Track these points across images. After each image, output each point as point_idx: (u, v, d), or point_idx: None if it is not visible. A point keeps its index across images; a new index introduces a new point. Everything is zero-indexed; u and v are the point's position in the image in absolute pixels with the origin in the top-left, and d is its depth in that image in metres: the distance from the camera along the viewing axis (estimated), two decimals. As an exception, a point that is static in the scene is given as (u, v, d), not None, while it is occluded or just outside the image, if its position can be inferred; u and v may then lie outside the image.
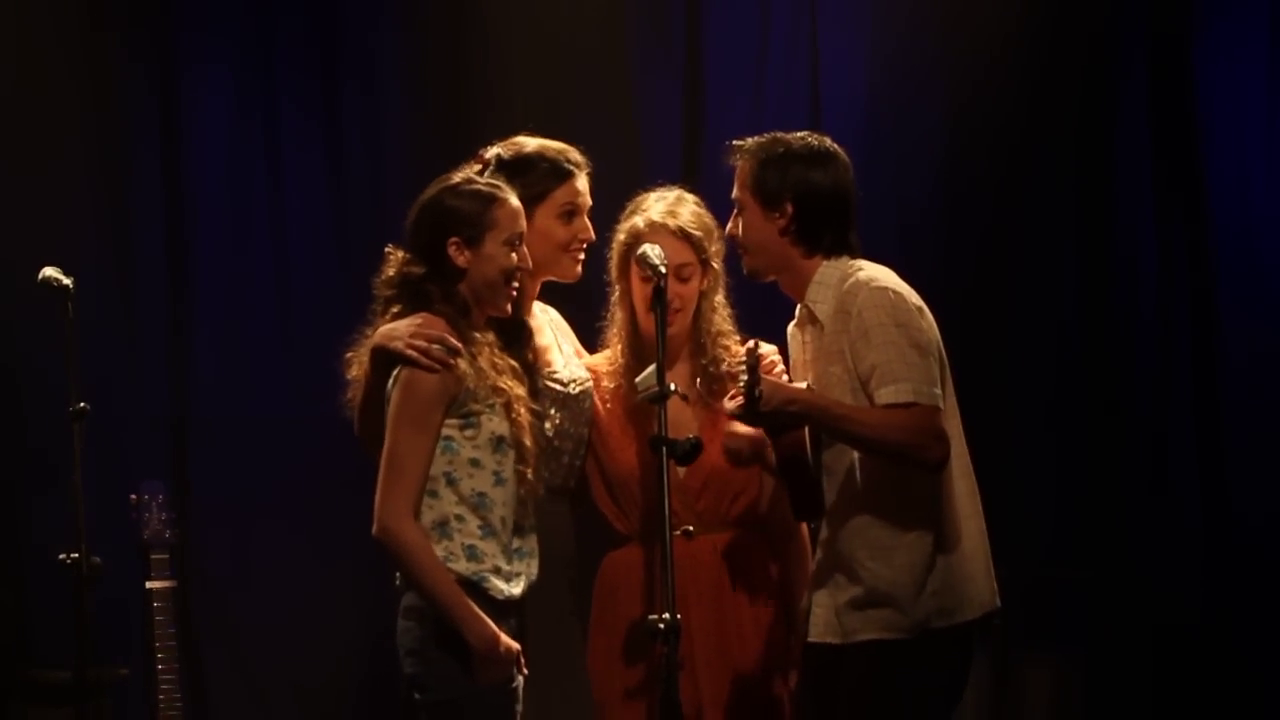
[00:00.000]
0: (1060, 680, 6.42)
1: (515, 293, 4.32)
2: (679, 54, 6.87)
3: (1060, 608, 6.58)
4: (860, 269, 4.41)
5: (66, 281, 4.80)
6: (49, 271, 4.81)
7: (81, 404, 4.74)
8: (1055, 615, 6.56)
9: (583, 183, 4.66)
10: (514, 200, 4.30)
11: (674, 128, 6.83)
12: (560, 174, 4.62)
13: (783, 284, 4.51)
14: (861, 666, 4.33)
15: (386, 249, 4.32)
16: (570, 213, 4.62)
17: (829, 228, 4.44)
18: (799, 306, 4.50)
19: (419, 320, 4.18)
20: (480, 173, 4.53)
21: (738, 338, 4.72)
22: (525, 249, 4.31)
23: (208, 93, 6.65)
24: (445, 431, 4.16)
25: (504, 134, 6.54)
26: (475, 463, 4.17)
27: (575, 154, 4.68)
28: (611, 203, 4.81)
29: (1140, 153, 6.86)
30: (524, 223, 4.32)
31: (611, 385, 4.73)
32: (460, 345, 4.16)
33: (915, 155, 6.83)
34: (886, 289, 4.35)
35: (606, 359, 4.78)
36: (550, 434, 4.57)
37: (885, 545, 4.33)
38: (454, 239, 4.22)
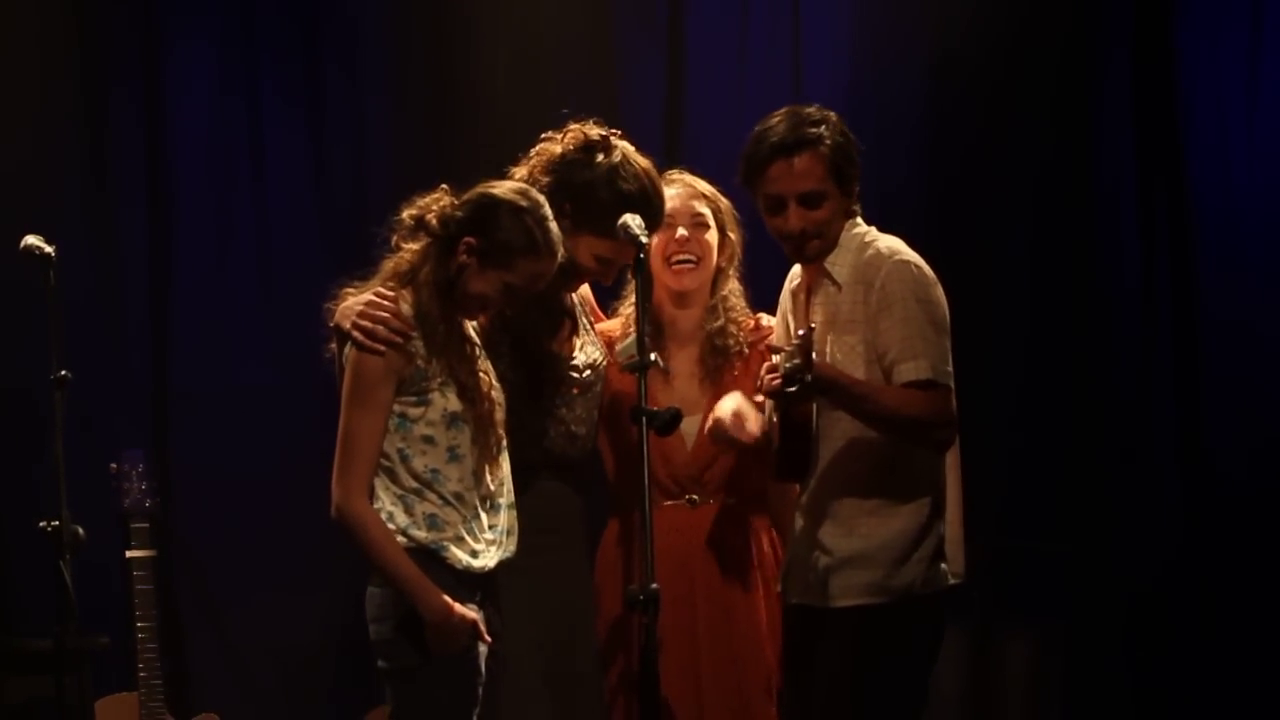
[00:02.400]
0: (1039, 652, 6.44)
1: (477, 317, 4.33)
2: (661, 28, 6.87)
3: (1039, 580, 6.60)
4: (878, 238, 4.44)
5: (49, 250, 4.78)
6: (31, 240, 4.80)
7: (63, 372, 4.74)
8: (1034, 587, 6.58)
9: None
10: (549, 265, 4.26)
11: (656, 103, 6.83)
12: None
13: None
14: (844, 631, 4.37)
15: (442, 185, 4.33)
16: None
17: None
18: (803, 269, 4.52)
19: (369, 298, 4.18)
20: (589, 150, 4.52)
21: (748, 313, 4.77)
22: (518, 302, 4.32)
23: (190, 64, 6.64)
24: (398, 409, 4.17)
25: (485, 109, 6.60)
26: (428, 439, 4.18)
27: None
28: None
29: (1122, 126, 6.85)
30: (540, 285, 4.30)
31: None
32: (408, 326, 4.15)
33: (896, 124, 6.81)
34: (910, 263, 4.38)
35: (622, 324, 4.81)
36: (569, 421, 4.60)
37: (880, 511, 4.38)
38: (472, 240, 4.20)
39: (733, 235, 4.77)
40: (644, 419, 4.24)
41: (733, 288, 4.80)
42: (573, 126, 4.61)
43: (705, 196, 4.74)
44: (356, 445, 4.14)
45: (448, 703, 4.16)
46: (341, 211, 6.55)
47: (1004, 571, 5.93)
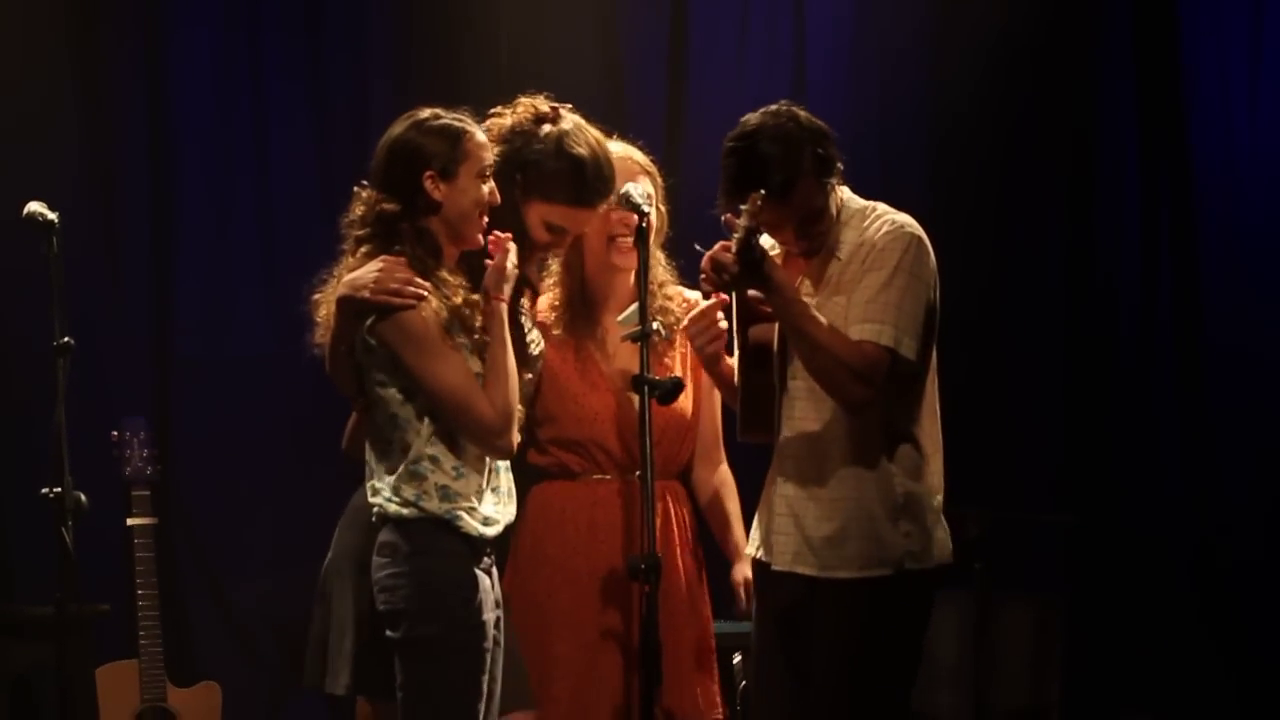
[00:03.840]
0: (1042, 622, 6.45)
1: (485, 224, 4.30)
2: (665, 13, 6.88)
3: (1040, 550, 6.63)
4: (886, 211, 4.38)
5: (51, 216, 4.77)
6: (34, 206, 4.78)
7: (66, 339, 4.73)
8: (1035, 558, 6.61)
9: None
10: (481, 133, 4.28)
11: (659, 88, 6.85)
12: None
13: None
14: (842, 602, 4.34)
15: (355, 188, 4.29)
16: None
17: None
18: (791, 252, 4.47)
19: (379, 266, 4.15)
20: (538, 121, 4.52)
21: (678, 288, 4.75)
22: (492, 182, 4.30)
23: (193, 29, 6.65)
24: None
25: (488, 78, 6.60)
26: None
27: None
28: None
29: (1124, 103, 6.90)
30: (491, 155, 4.30)
31: (561, 329, 4.73)
32: (426, 287, 4.14)
33: (899, 112, 6.86)
34: (915, 235, 4.31)
35: (550, 302, 4.78)
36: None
37: (866, 473, 4.31)
38: (429, 172, 4.19)
39: (663, 207, 4.76)
40: (645, 388, 4.25)
41: (658, 256, 4.77)
42: (522, 100, 4.60)
43: (648, 174, 4.72)
44: (463, 385, 4.11)
45: (462, 670, 4.14)
46: (343, 181, 6.50)
47: (1005, 542, 5.93)
